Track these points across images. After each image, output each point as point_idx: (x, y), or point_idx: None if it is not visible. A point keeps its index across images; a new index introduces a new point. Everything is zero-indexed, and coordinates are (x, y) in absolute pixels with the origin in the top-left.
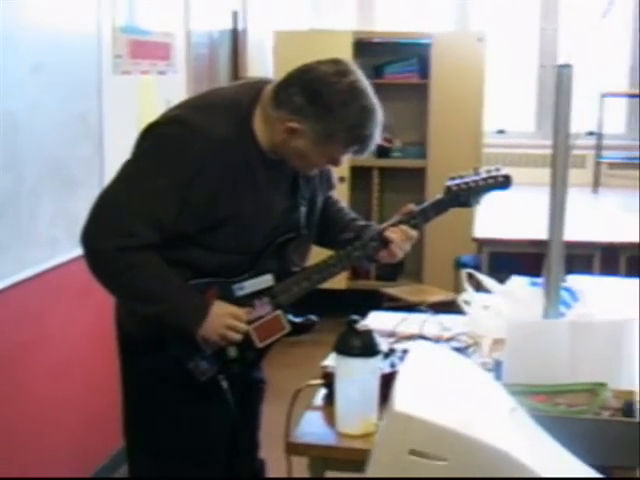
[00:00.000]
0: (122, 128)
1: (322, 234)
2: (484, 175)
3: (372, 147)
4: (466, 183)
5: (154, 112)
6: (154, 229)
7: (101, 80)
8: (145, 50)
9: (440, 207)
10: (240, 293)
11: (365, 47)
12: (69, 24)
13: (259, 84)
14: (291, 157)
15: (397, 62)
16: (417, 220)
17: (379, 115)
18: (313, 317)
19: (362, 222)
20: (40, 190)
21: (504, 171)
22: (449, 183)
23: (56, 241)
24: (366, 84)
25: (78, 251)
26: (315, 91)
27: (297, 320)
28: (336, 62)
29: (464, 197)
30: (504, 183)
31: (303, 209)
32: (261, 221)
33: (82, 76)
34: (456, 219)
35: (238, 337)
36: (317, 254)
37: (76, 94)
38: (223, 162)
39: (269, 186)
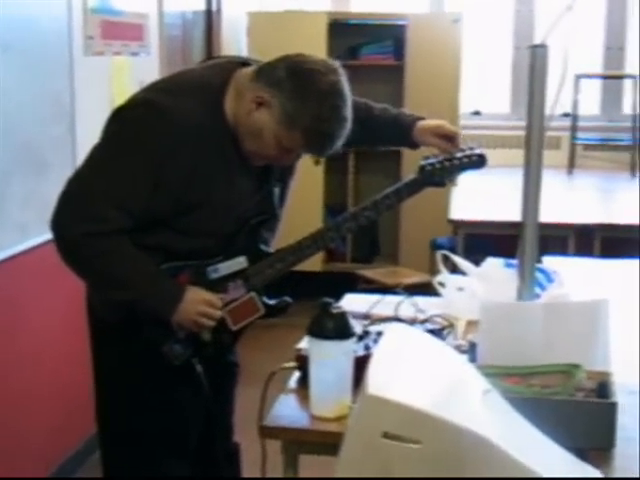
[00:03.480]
0: (95, 110)
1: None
2: (458, 155)
3: (327, 152)
4: (440, 162)
5: (127, 94)
6: (124, 214)
7: (72, 61)
8: (117, 31)
9: (414, 187)
10: (214, 276)
11: (340, 28)
12: (39, 4)
13: (230, 65)
14: (247, 134)
15: (373, 43)
16: (391, 200)
17: (347, 126)
18: (287, 299)
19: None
20: (10, 173)
21: (478, 150)
22: (423, 163)
23: (27, 225)
24: (348, 93)
25: (49, 235)
26: (299, 71)
27: (271, 302)
28: (328, 61)
29: (438, 177)
30: (478, 162)
31: (276, 190)
32: (233, 204)
33: (53, 57)
34: (432, 201)
35: (211, 324)
36: (291, 236)
37: (47, 76)
38: (194, 147)
39: (241, 169)
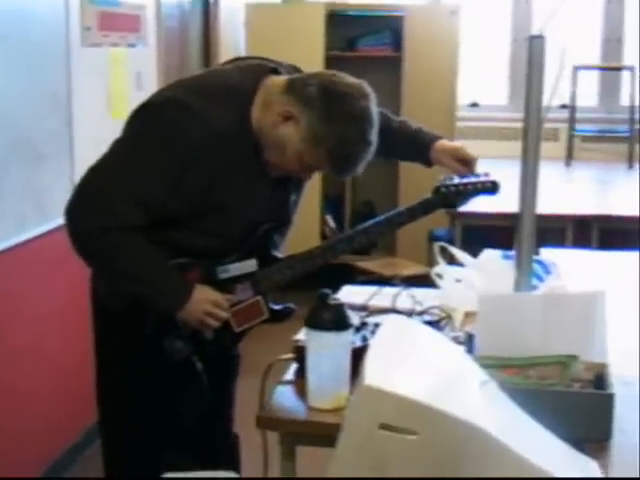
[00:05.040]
0: (92, 101)
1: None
2: (473, 180)
3: (348, 174)
4: (455, 186)
5: (124, 85)
6: (140, 211)
7: (69, 52)
8: (115, 22)
9: (427, 207)
10: (223, 276)
11: (338, 19)
12: None
13: (260, 70)
14: (270, 146)
15: (370, 35)
16: (404, 218)
17: (371, 150)
18: (292, 305)
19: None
20: (7, 165)
21: (493, 177)
22: (438, 184)
23: (25, 216)
24: (376, 118)
25: (47, 226)
26: (332, 92)
27: (276, 307)
28: (362, 84)
29: (451, 199)
30: (492, 188)
31: (293, 197)
32: (249, 209)
33: (50, 48)
34: (429, 192)
35: (217, 324)
36: (297, 236)
37: (44, 67)
38: (219, 152)
39: (260, 175)
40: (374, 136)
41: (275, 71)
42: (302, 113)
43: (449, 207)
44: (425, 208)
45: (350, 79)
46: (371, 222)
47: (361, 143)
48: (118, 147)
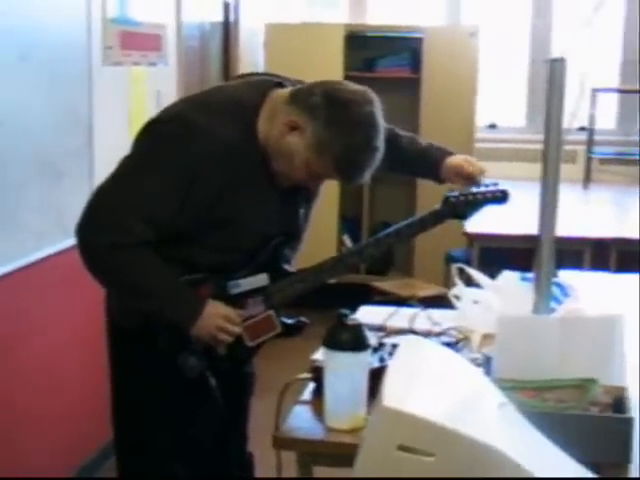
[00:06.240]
0: (112, 120)
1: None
2: (482, 189)
3: (356, 181)
4: (464, 196)
5: (145, 104)
6: (150, 227)
7: (91, 71)
8: (136, 41)
9: (437, 218)
10: (234, 291)
11: (357, 41)
12: (58, 14)
13: (265, 84)
14: (277, 157)
15: (389, 56)
16: (414, 229)
17: (378, 156)
18: (304, 319)
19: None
20: (27, 182)
21: (502, 187)
22: (448, 194)
23: (44, 233)
24: (382, 124)
25: (66, 243)
26: (336, 100)
27: (289, 321)
28: (366, 91)
29: (461, 209)
30: (501, 198)
31: (301, 210)
32: (259, 223)
33: (72, 67)
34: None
35: (229, 339)
36: (306, 246)
37: (65, 85)
38: (226, 167)
39: (268, 188)
40: (380, 142)
41: (280, 85)
42: (307, 122)
43: (459, 217)
44: (435, 219)
45: (354, 86)
46: (381, 234)
47: (367, 149)
48: (126, 164)
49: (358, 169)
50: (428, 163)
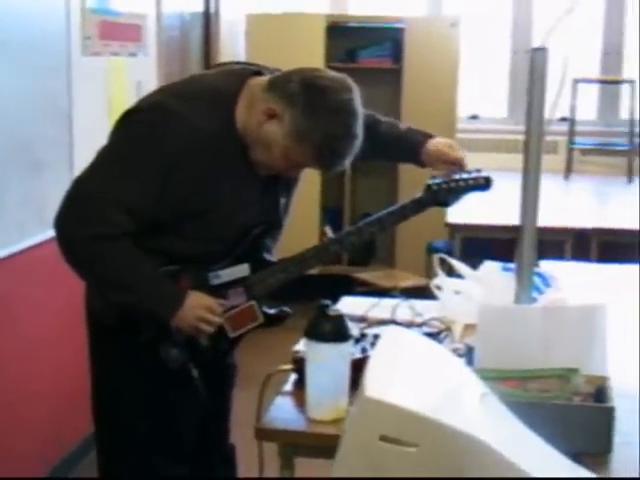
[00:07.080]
0: (92, 110)
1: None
2: (465, 176)
3: (335, 169)
4: (447, 183)
5: (125, 94)
6: (130, 218)
7: (70, 61)
8: (115, 31)
9: (419, 205)
10: (215, 282)
11: (338, 31)
12: (37, 2)
13: (243, 72)
14: (256, 145)
15: (370, 46)
16: (396, 217)
17: (357, 143)
18: (286, 309)
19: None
20: (7, 173)
21: (485, 173)
22: (429, 182)
23: (24, 225)
24: (360, 111)
25: (47, 234)
26: (313, 87)
27: (271, 311)
28: (344, 78)
29: (443, 196)
30: (484, 184)
31: (282, 200)
32: (238, 212)
33: (50, 57)
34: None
35: (211, 330)
36: (288, 237)
37: (44, 75)
38: (204, 154)
39: (248, 177)
40: (359, 129)
41: (259, 73)
42: (285, 110)
43: (441, 205)
44: (417, 206)
45: (333, 74)
46: (363, 222)
47: (346, 137)
48: (105, 154)
49: (337, 157)
50: (408, 146)
